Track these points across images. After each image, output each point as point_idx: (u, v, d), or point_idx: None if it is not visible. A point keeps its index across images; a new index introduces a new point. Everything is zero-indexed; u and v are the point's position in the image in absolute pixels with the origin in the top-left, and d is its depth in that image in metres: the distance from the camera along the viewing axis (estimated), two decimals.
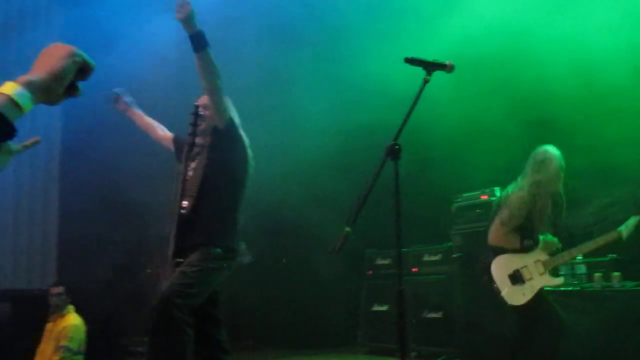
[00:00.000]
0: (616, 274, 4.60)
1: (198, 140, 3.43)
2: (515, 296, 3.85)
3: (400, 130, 2.55)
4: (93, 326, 5.16)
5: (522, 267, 3.88)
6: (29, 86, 1.16)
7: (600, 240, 3.88)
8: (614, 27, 5.12)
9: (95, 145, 6.57)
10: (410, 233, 5.70)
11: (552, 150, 3.98)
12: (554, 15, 5.54)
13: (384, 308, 6.52)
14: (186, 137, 3.49)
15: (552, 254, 3.95)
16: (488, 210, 4.61)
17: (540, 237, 3.90)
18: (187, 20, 3.05)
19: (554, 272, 4.05)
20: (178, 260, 3.24)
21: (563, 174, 3.95)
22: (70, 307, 4.96)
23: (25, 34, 6.92)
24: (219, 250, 3.26)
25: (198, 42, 3.11)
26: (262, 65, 6.45)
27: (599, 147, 5.01)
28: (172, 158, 3.78)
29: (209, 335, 3.30)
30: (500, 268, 3.93)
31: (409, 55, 2.64)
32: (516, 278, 3.88)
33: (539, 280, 3.86)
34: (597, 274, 4.69)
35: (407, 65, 2.67)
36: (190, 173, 3.43)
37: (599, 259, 4.86)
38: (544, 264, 3.89)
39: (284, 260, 7.50)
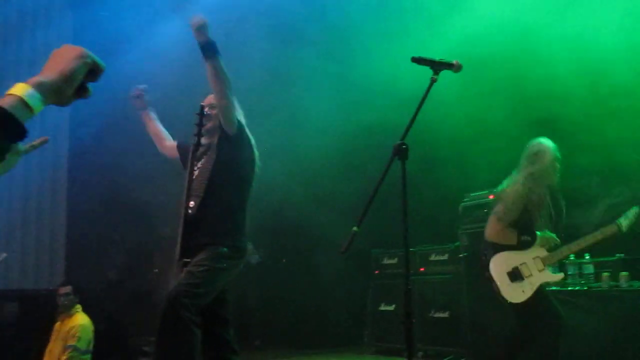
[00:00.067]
0: (624, 273, 4.58)
1: (204, 140, 3.45)
2: (515, 294, 3.81)
3: (407, 130, 2.54)
4: (101, 326, 5.18)
5: (520, 264, 3.85)
6: (40, 87, 1.16)
7: (599, 234, 3.84)
8: (618, 27, 5.11)
9: (103, 147, 6.60)
10: (417, 233, 5.70)
11: (545, 142, 3.96)
12: (559, 15, 5.52)
13: (391, 308, 6.52)
14: (189, 143, 3.51)
15: (550, 250, 3.91)
16: None
17: (538, 233, 3.86)
18: (200, 29, 3.16)
19: (561, 269, 4.02)
20: (185, 260, 3.25)
21: (559, 165, 3.92)
22: (78, 307, 4.97)
23: (37, 34, 6.95)
24: (225, 249, 3.26)
25: (209, 50, 3.18)
26: (266, 65, 6.45)
27: (605, 146, 5.00)
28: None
29: (217, 335, 3.31)
30: (498, 266, 3.90)
31: (414, 55, 2.64)
32: (515, 275, 3.84)
33: (539, 276, 3.83)
34: (604, 274, 4.67)
35: (411, 65, 2.67)
36: (196, 172, 3.44)
37: (606, 259, 4.85)
38: (543, 260, 3.86)
39: (284, 260, 7.50)
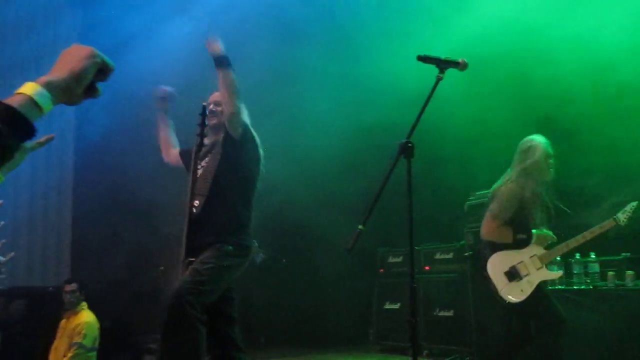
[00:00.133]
0: (630, 272, 4.57)
1: (208, 137, 3.47)
2: (513, 293, 3.79)
3: (413, 128, 2.54)
4: (106, 323, 5.20)
5: (518, 263, 3.83)
6: (49, 86, 1.17)
7: (596, 230, 3.82)
8: (622, 27, 5.09)
9: (109, 146, 6.62)
10: (422, 231, 5.70)
11: (537, 138, 3.95)
12: (563, 15, 5.51)
13: (396, 306, 6.53)
14: (190, 147, 3.52)
15: (547, 247, 3.90)
16: None
17: (534, 231, 3.84)
18: (215, 46, 3.33)
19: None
20: (190, 259, 3.26)
21: (552, 161, 3.90)
22: (84, 305, 5.00)
23: (44, 33, 6.98)
24: (230, 247, 3.28)
25: (221, 62, 3.32)
26: (267, 64, 6.45)
27: (611, 145, 4.98)
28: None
29: (222, 333, 3.32)
30: (495, 266, 3.88)
31: (417, 54, 2.64)
32: (512, 275, 3.82)
33: (537, 275, 3.81)
34: (610, 273, 4.66)
35: (413, 65, 2.67)
36: (200, 172, 3.46)
37: (612, 258, 4.84)
38: (540, 258, 3.84)
39: (283, 261, 7.51)
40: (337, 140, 6.52)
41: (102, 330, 5.01)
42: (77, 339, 4.79)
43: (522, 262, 3.83)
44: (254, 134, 3.54)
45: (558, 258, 4.78)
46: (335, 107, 6.48)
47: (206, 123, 3.41)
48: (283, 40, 6.71)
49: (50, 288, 6.08)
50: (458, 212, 5.93)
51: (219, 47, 3.34)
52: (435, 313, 6.05)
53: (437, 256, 6.27)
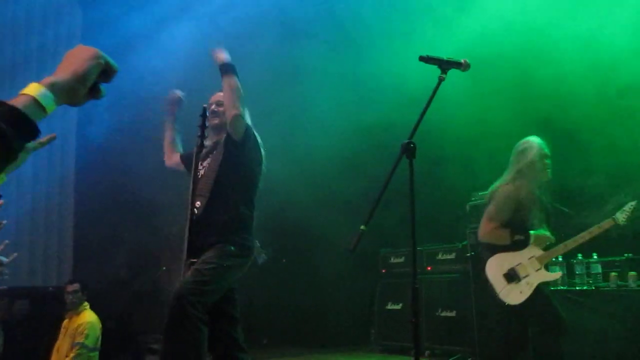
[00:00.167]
0: (632, 273, 4.57)
1: (210, 137, 3.47)
2: (513, 295, 3.78)
3: (415, 129, 2.54)
4: (108, 323, 5.20)
5: (516, 265, 3.82)
6: (53, 87, 1.18)
7: (594, 230, 3.81)
8: (626, 27, 5.09)
9: (110, 147, 6.62)
10: (424, 232, 5.70)
11: (532, 139, 3.95)
12: (566, 15, 5.50)
13: (398, 307, 6.53)
14: (191, 151, 3.53)
15: (546, 248, 3.88)
16: None
17: (532, 232, 3.82)
18: (220, 54, 3.41)
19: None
20: (192, 260, 3.26)
21: (549, 162, 3.89)
22: (86, 305, 4.99)
23: (46, 32, 6.99)
24: (233, 248, 3.28)
25: (227, 69, 3.38)
26: (270, 64, 6.45)
27: (611, 146, 4.98)
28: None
29: (224, 333, 3.32)
30: (494, 268, 3.87)
31: (419, 54, 2.62)
32: (511, 277, 3.81)
33: (535, 276, 3.79)
34: (612, 273, 4.66)
35: (415, 65, 2.65)
36: (201, 172, 3.46)
37: (614, 258, 4.83)
38: (539, 259, 3.83)
39: (284, 261, 7.51)
40: (337, 140, 6.51)
41: (104, 330, 5.01)
42: (80, 339, 4.79)
43: (520, 263, 3.82)
44: (256, 134, 3.54)
45: (560, 258, 4.79)
46: (336, 107, 6.48)
47: (206, 124, 3.42)
48: (283, 40, 6.71)
49: (52, 288, 6.08)
50: (459, 212, 5.93)
51: (224, 55, 3.40)
52: (437, 313, 6.05)
53: (439, 256, 6.27)
